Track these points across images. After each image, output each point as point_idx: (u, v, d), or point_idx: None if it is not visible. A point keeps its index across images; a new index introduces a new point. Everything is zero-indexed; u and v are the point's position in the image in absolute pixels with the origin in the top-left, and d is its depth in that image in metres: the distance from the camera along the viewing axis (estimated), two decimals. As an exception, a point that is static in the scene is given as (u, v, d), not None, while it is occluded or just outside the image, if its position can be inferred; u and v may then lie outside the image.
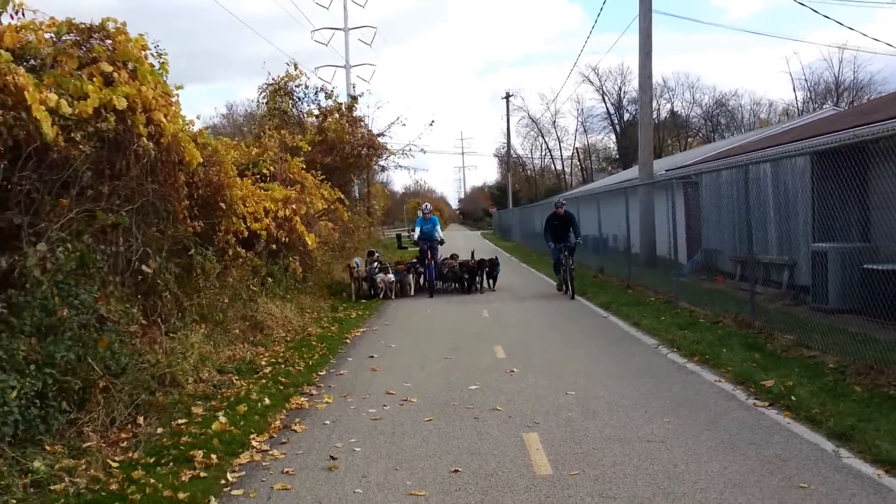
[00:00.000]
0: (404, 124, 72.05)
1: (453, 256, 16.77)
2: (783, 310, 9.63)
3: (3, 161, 5.86)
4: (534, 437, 5.16)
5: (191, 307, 8.50)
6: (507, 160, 65.58)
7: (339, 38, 36.33)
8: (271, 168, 13.74)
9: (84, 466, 4.72)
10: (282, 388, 6.94)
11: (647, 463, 4.58)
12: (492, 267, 16.37)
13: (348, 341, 9.73)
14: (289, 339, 9.77)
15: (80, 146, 6.80)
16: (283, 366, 7.99)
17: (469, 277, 16.01)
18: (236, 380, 7.27)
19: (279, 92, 24.09)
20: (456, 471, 4.55)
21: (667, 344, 8.50)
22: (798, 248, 10.96)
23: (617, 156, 72.36)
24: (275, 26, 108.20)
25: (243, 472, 4.73)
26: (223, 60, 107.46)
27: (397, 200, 68.56)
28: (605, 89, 69.59)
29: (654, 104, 68.08)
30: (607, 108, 70.98)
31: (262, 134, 16.86)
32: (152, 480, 4.49)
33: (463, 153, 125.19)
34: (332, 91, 25.43)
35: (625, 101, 68.70)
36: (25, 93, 6.19)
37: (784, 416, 5.45)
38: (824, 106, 52.86)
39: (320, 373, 7.76)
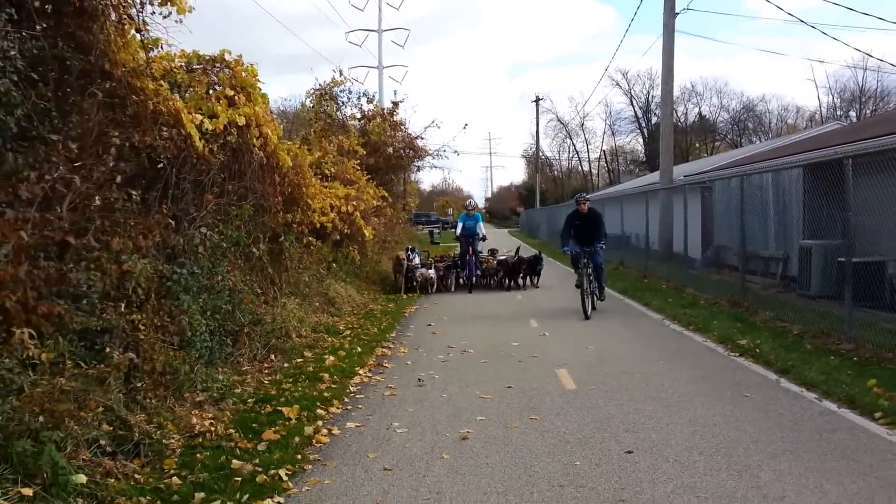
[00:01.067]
0: (439, 127, 74.14)
1: (492, 252, 16.78)
2: (772, 295, 11.60)
3: (173, 167, 8.05)
4: (563, 371, 7.25)
5: (283, 283, 10.69)
6: (536, 162, 67.58)
7: (373, 39, 38.28)
8: (332, 169, 15.92)
9: (247, 381, 6.88)
10: (365, 343, 9.10)
11: (643, 385, 6.64)
12: (534, 263, 16.29)
13: (406, 315, 11.88)
14: (356, 312, 11.92)
15: (216, 155, 9.01)
16: (359, 330, 10.15)
17: (508, 276, 15.96)
18: (327, 337, 9.43)
19: (325, 96, 26.35)
20: (509, 387, 6.65)
21: (670, 318, 10.58)
22: (791, 245, 12.91)
23: (644, 158, 73.95)
24: (305, 24, 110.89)
25: (359, 387, 6.87)
26: (251, 57, 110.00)
27: (425, 198, 70.68)
28: (633, 93, 71.22)
29: (682, 108, 69.83)
30: (635, 112, 72.57)
31: (308, 135, 19.05)
32: (298, 388, 6.64)
33: (491, 153, 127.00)
34: (373, 96, 27.66)
35: (653, 105, 70.12)
36: (182, 115, 8.39)
37: (748, 361, 7.51)
38: (850, 113, 54.25)
39: (391, 335, 9.92)
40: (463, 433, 5.30)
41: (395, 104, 26.78)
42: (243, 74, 10.05)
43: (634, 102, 73.43)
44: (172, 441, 4.95)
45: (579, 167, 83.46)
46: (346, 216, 14.70)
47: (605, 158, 79.98)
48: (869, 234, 11.09)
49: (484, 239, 16.66)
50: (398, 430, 5.45)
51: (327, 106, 26.81)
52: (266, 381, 6.98)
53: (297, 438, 5.15)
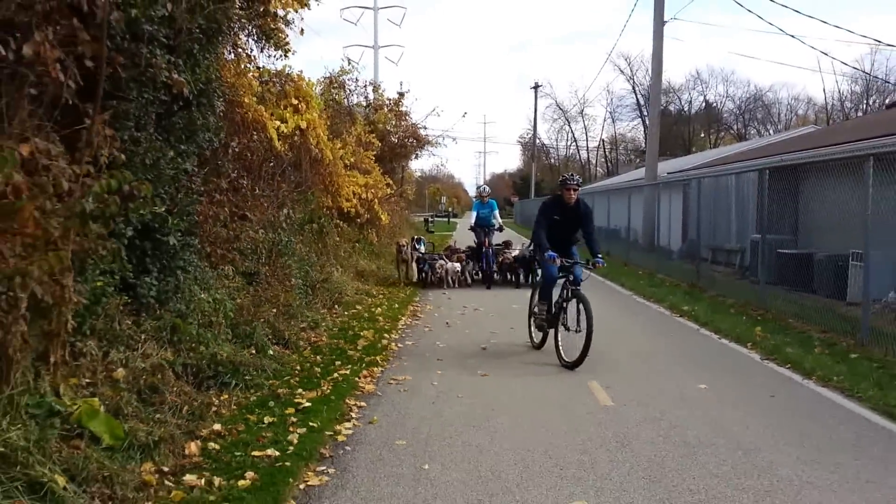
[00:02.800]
0: (439, 115, 77.71)
1: (507, 245, 17.02)
2: (727, 280, 15.39)
3: (264, 163, 11.67)
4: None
5: (327, 254, 14.35)
6: (533, 151, 71.13)
7: (368, 16, 40.50)
8: (351, 159, 19.55)
9: (326, 319, 10.54)
10: (398, 302, 12.79)
11: (607, 334, 10.35)
12: None
13: (423, 288, 15.55)
14: (380, 283, 15.58)
15: (286, 153, 12.63)
16: (389, 295, 13.82)
17: (525, 271, 15.80)
18: (367, 298, 13.10)
19: (333, 84, 29.85)
20: (512, 328, 10.35)
21: (637, 294, 14.41)
22: (746, 239, 16.72)
23: (645, 147, 77.59)
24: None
25: (404, 327, 10.56)
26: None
27: (416, 186, 74.16)
28: (635, 80, 74.41)
29: (687, 96, 73.70)
30: (637, 100, 75.62)
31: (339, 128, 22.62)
32: (364, 325, 10.32)
33: (485, 139, 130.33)
34: (378, 85, 31.20)
35: (655, 94, 73.55)
36: (267, 122, 12.00)
37: (684, 319, 11.32)
38: (863, 104, 58.10)
39: (415, 299, 13.60)
40: (482, 346, 9.03)
41: (401, 94, 30.36)
42: (304, 87, 13.71)
43: (637, 90, 76.88)
44: (301, 343, 8.62)
45: (577, 156, 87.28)
46: (366, 202, 18.39)
47: (604, 148, 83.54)
48: (806, 231, 15.04)
49: (500, 230, 16.73)
50: (440, 345, 9.17)
51: (336, 94, 30.46)
52: (338, 321, 10.66)
53: (378, 346, 8.85)
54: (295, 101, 13.23)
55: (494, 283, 15.86)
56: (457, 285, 15.65)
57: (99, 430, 4.64)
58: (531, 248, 15.08)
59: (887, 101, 47.77)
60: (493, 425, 5.91)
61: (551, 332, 8.68)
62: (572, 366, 7.84)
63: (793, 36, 56.39)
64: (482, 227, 16.20)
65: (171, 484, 4.51)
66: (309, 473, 4.80)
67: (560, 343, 8.33)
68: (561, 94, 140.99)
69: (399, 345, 9.22)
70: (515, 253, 16.15)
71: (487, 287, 15.51)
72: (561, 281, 8.54)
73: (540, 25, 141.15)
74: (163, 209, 6.43)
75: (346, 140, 20.73)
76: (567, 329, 8.29)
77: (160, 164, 6.60)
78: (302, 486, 4.60)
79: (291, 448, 5.18)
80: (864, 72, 51.64)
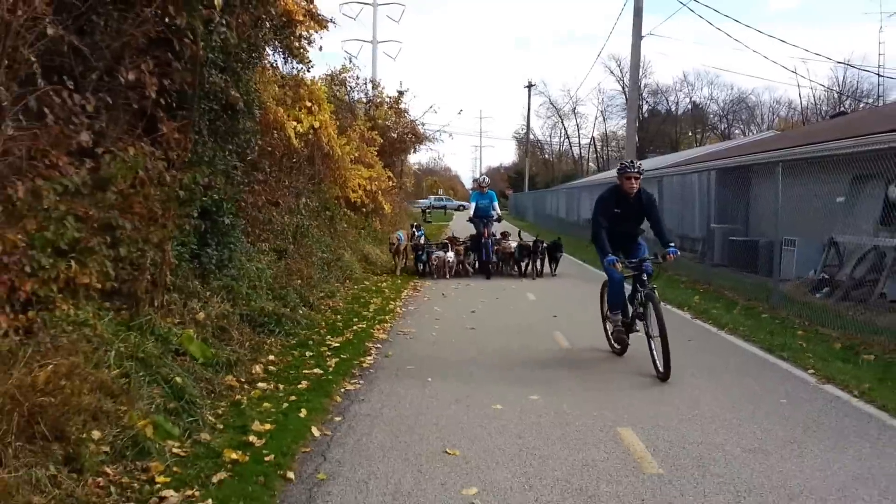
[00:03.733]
0: (436, 112, 79.39)
1: (504, 235, 17.29)
2: (686, 263, 17.28)
3: (283, 158, 13.52)
4: (530, 294, 12.87)
5: (337, 238, 16.23)
6: (527, 147, 73.07)
7: (367, 12, 41.71)
8: (356, 154, 21.40)
9: (340, 291, 12.42)
10: (401, 280, 14.68)
11: (577, 301, 12.26)
12: (554, 249, 16.73)
13: (421, 277, 17.45)
14: (384, 266, 17.46)
15: (302, 149, 14.48)
16: (392, 275, 15.70)
17: (527, 261, 16.20)
18: (372, 276, 14.98)
19: (335, 81, 31.68)
20: (497, 298, 12.25)
21: (609, 274, 16.29)
22: (706, 229, 18.66)
23: (637, 144, 79.72)
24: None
25: (407, 297, 12.45)
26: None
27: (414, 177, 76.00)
28: (625, 81, 76.51)
29: (674, 97, 75.72)
30: (626, 100, 77.50)
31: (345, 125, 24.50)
32: (372, 295, 12.21)
33: (481, 134, 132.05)
34: (378, 82, 33.02)
35: (644, 93, 75.71)
36: (286, 122, 13.84)
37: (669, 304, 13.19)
38: (839, 107, 60.08)
39: (415, 279, 15.49)
40: (473, 309, 10.95)
41: (401, 93, 32.18)
42: (316, 91, 15.56)
43: (626, 90, 78.80)
44: (322, 307, 10.49)
45: (570, 151, 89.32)
46: (371, 193, 20.26)
47: (595, 145, 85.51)
48: (756, 221, 16.99)
49: (499, 220, 16.80)
50: (437, 309, 11.08)
51: (338, 91, 32.28)
52: (350, 293, 12.54)
53: (387, 309, 10.75)
54: (308, 104, 15.08)
55: (494, 273, 16.18)
56: (452, 276, 15.74)
57: (195, 351, 6.51)
58: (524, 239, 16.98)
59: (849, 108, 49.87)
60: (477, 359, 7.83)
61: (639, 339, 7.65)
62: (662, 377, 6.86)
63: (765, 57, 58.35)
64: (481, 218, 16.28)
65: (248, 388, 6.40)
66: (345, 384, 6.71)
67: (654, 352, 7.16)
68: (555, 92, 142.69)
69: (403, 309, 11.13)
70: (514, 243, 16.50)
71: (486, 277, 15.76)
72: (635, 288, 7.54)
73: (537, 25, 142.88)
74: (219, 196, 8.31)
75: (350, 136, 22.65)
76: (649, 337, 7.25)
77: (215, 160, 8.46)
78: (342, 390, 6.50)
79: (331, 369, 7.10)
80: (824, 87, 53.50)
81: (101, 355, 4.94)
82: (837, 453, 5.04)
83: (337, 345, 8.20)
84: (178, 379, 5.76)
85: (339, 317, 10.04)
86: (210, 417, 5.53)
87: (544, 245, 16.56)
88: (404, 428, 5.53)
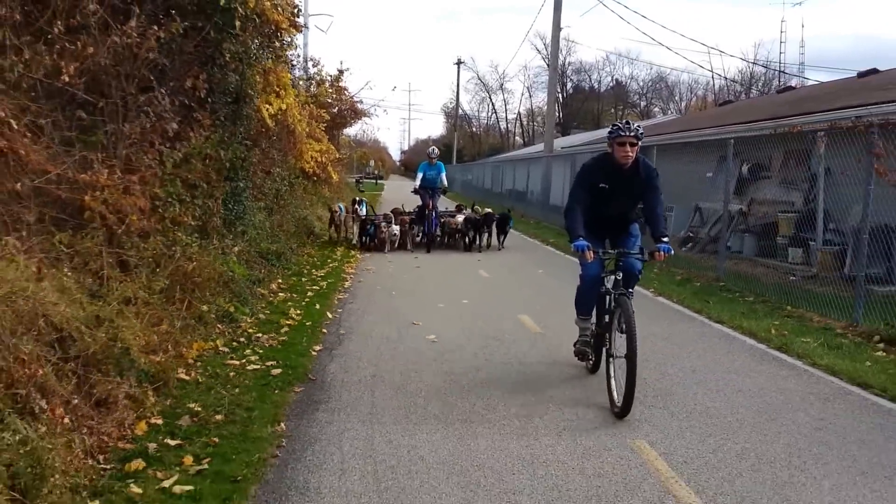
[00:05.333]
0: (371, 88, 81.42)
1: (459, 208, 18.21)
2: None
3: (263, 139, 16.57)
4: (483, 271, 16.33)
5: (299, 202, 19.36)
6: (455, 122, 76.21)
7: None
8: (306, 129, 24.43)
9: (309, 242, 15.62)
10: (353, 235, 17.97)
11: (525, 280, 15.76)
12: (503, 222, 17.01)
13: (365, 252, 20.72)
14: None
15: (273, 128, 17.53)
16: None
17: (474, 234, 16.52)
18: (327, 234, 18.21)
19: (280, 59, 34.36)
20: (435, 257, 15.68)
21: (541, 241, 19.88)
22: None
23: (560, 120, 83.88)
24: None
25: (358, 263, 15.76)
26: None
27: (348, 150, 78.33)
28: (549, 60, 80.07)
29: (597, 75, 79.87)
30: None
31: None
32: (336, 247, 15.48)
33: (410, 107, 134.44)
34: (318, 60, 35.88)
35: (569, 71, 79.66)
36: (262, 106, 16.86)
37: (551, 248, 16.85)
38: (754, 89, 65.19)
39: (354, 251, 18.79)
40: (415, 256, 14.36)
41: (341, 72, 35.02)
42: (283, 78, 18.59)
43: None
44: (300, 251, 13.69)
45: (498, 125, 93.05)
46: (321, 165, 23.36)
47: (521, 120, 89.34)
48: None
49: (445, 192, 16.99)
50: (388, 258, 14.42)
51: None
52: (317, 243, 15.74)
53: (350, 255, 14.06)
54: (277, 89, 18.10)
55: (437, 246, 16.39)
56: (393, 248, 15.96)
57: (238, 270, 9.72)
58: (471, 210, 18.22)
59: (763, 86, 54.86)
60: (426, 283, 11.28)
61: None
62: (619, 413, 5.31)
63: (670, 49, 62.89)
64: (427, 189, 16.31)
65: (273, 296, 9.65)
66: (337, 295, 10.09)
67: (613, 378, 5.62)
68: (483, 67, 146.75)
69: (362, 255, 14.46)
70: (460, 218, 16.72)
71: (427, 250, 15.88)
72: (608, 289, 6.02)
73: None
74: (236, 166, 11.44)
75: (303, 114, 25.63)
76: (609, 356, 5.76)
77: (231, 139, 11.57)
78: (336, 298, 9.85)
79: (324, 287, 10.46)
80: (725, 78, 58.31)
81: (211, 260, 8.15)
82: (656, 326, 8.57)
83: (322, 275, 11.53)
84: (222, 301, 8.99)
85: (315, 259, 13.30)
86: (259, 308, 8.81)
87: (487, 216, 17.02)
88: (384, 314, 8.96)
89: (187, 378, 5.81)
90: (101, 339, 4.90)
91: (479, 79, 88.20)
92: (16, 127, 6.19)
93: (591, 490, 4.14)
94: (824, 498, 4.11)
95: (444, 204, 19.77)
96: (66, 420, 4.20)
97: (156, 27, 8.33)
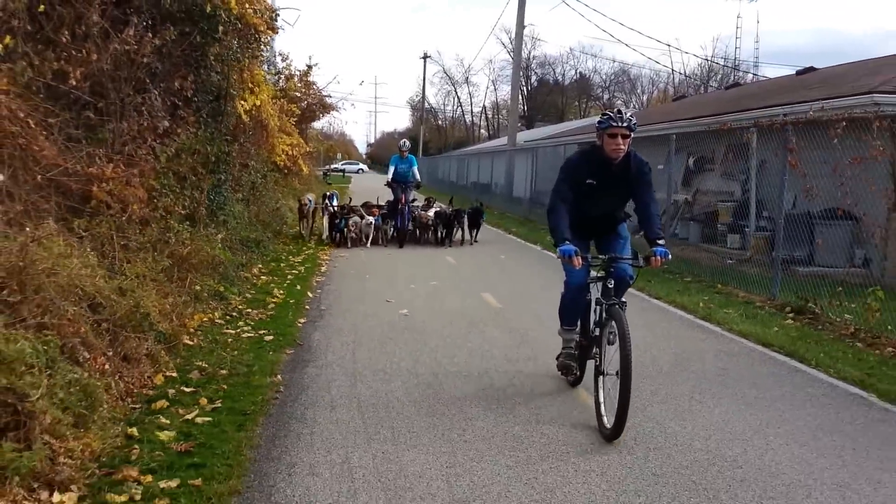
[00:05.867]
0: (339, 83, 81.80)
1: (428, 200, 17.67)
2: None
3: (241, 134, 17.45)
4: (451, 258, 17.39)
5: (273, 193, 20.27)
6: (422, 115, 77.13)
7: None
8: (277, 123, 25.28)
9: (285, 230, 16.56)
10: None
11: (492, 266, 16.83)
12: (475, 216, 16.82)
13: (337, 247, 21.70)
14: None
15: (248, 124, 18.42)
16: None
17: (446, 230, 16.48)
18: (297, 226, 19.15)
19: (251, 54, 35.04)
20: (408, 244, 16.72)
21: (504, 231, 20.99)
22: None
23: (524, 113, 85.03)
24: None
25: (332, 251, 16.75)
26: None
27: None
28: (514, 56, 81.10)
29: (560, 69, 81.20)
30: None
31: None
32: (307, 245, 16.45)
33: (376, 99, 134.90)
34: (287, 55, 36.64)
35: (533, 65, 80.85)
36: (238, 101, 17.72)
37: (511, 236, 17.99)
38: (712, 82, 66.94)
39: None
40: (386, 255, 15.39)
41: (309, 67, 35.80)
42: (257, 76, 19.47)
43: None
44: (276, 239, 14.64)
45: (463, 118, 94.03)
46: (292, 158, 24.25)
47: (486, 113, 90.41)
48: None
49: (418, 187, 16.85)
50: (362, 247, 15.42)
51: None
52: (292, 230, 16.67)
53: (324, 243, 15.02)
54: (251, 86, 18.97)
55: (409, 241, 16.30)
56: (369, 243, 15.86)
57: (223, 255, 10.66)
58: (450, 206, 17.74)
59: (722, 84, 56.56)
60: (396, 266, 12.30)
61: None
62: (609, 435, 4.87)
63: (631, 46, 64.45)
64: (399, 183, 16.21)
65: (255, 279, 10.61)
66: (315, 278, 11.07)
67: (602, 397, 5.16)
68: (449, 61, 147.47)
69: (335, 244, 15.43)
70: (431, 213, 16.58)
71: (399, 246, 15.81)
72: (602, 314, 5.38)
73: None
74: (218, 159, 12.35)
75: (273, 109, 26.46)
76: (599, 373, 5.27)
77: (214, 134, 12.48)
78: (314, 281, 10.83)
79: (303, 272, 11.43)
80: (682, 73, 59.93)
81: (202, 245, 9.10)
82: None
83: (299, 261, 12.51)
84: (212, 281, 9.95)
85: (291, 247, 14.25)
86: (245, 289, 9.77)
87: (466, 212, 16.84)
88: (359, 294, 9.98)
89: (191, 343, 6.78)
90: (126, 305, 5.88)
91: (445, 72, 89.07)
92: (32, 125, 7.12)
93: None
94: (715, 419, 5.25)
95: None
96: (106, 366, 5.18)
97: (150, 34, 9.27)
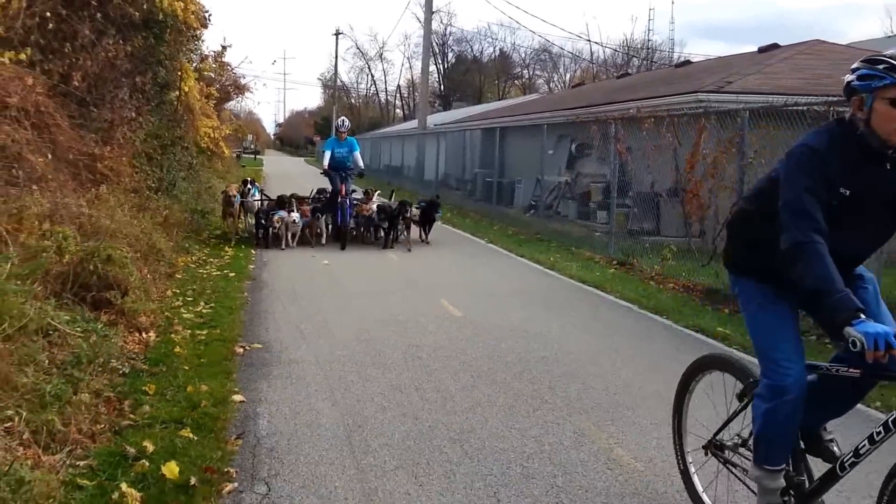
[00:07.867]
0: (251, 62, 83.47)
1: (367, 193, 15.74)
2: (456, 197, 26.04)
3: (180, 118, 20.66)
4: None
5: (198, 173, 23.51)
6: (335, 94, 79.81)
7: None
8: (197, 106, 28.37)
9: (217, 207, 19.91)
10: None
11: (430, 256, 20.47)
12: (429, 211, 15.23)
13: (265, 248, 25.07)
14: (230, 196, 24.85)
15: (178, 108, 21.62)
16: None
17: (389, 226, 14.94)
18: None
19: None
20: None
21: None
22: (472, 173, 27.57)
23: (441, 92, 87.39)
24: None
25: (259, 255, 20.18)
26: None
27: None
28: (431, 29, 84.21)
29: (479, 46, 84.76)
30: (433, 48, 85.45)
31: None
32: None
33: (285, 75, 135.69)
34: (200, 33, 39.24)
35: (450, 41, 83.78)
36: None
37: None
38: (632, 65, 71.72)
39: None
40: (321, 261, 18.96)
41: (224, 48, 38.69)
42: (185, 64, 22.65)
43: (433, 38, 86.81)
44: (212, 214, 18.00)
45: (377, 97, 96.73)
46: (214, 140, 27.44)
47: (401, 93, 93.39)
48: (509, 168, 26.02)
49: (361, 175, 15.68)
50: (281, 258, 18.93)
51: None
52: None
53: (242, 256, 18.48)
54: (180, 73, 22.13)
55: (351, 240, 14.94)
56: (295, 242, 14.90)
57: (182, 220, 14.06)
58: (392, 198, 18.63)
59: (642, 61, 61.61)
60: (314, 253, 15.88)
61: None
62: None
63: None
64: (338, 171, 14.94)
65: (208, 241, 14.02)
66: (248, 265, 14.48)
67: None
68: (362, 36, 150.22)
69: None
70: (373, 206, 15.03)
71: (342, 247, 14.47)
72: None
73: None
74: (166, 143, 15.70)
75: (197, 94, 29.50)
76: None
77: (163, 121, 15.81)
78: (248, 269, 14.18)
79: (246, 237, 14.88)
80: (592, 63, 64.67)
81: (173, 211, 12.54)
82: (483, 259, 13.49)
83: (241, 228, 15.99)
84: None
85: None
86: (202, 248, 13.21)
87: (413, 207, 15.24)
88: (291, 273, 13.50)
89: (180, 277, 10.31)
90: (147, 242, 9.41)
91: (358, 48, 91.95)
92: (59, 119, 10.50)
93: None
94: (528, 314, 9.12)
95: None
96: (148, 276, 8.70)
97: (122, 41, 12.63)
